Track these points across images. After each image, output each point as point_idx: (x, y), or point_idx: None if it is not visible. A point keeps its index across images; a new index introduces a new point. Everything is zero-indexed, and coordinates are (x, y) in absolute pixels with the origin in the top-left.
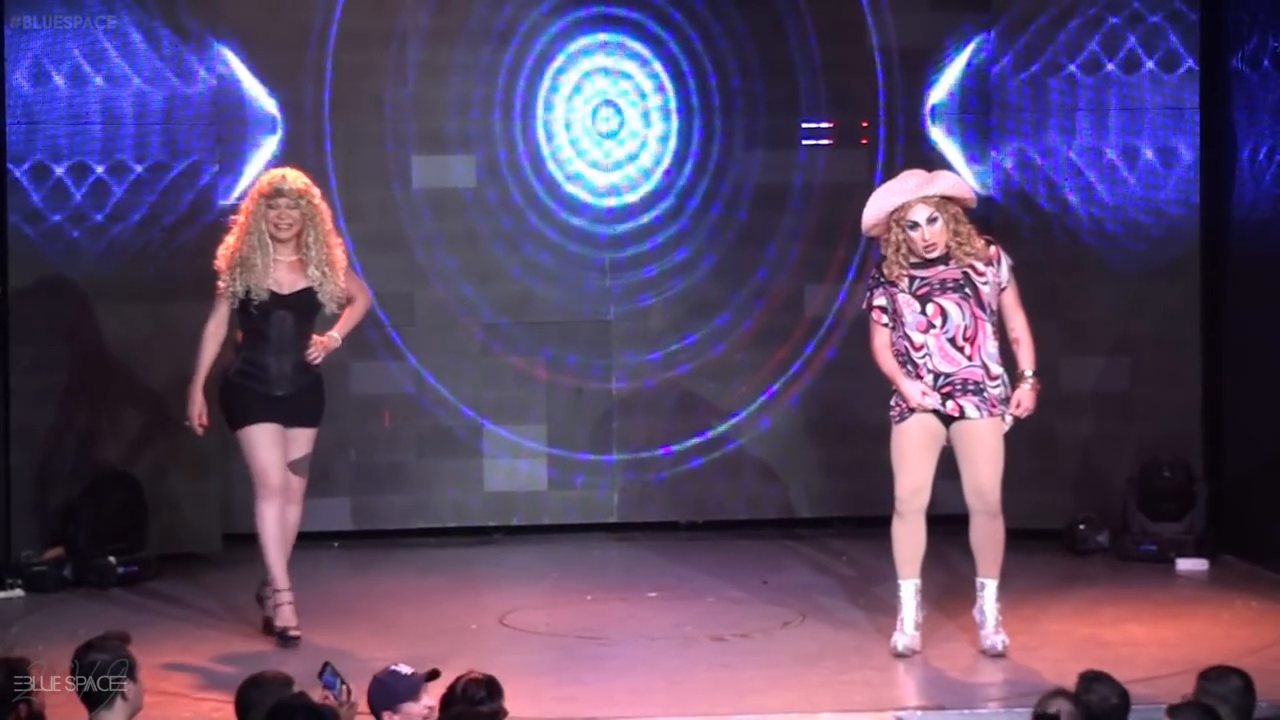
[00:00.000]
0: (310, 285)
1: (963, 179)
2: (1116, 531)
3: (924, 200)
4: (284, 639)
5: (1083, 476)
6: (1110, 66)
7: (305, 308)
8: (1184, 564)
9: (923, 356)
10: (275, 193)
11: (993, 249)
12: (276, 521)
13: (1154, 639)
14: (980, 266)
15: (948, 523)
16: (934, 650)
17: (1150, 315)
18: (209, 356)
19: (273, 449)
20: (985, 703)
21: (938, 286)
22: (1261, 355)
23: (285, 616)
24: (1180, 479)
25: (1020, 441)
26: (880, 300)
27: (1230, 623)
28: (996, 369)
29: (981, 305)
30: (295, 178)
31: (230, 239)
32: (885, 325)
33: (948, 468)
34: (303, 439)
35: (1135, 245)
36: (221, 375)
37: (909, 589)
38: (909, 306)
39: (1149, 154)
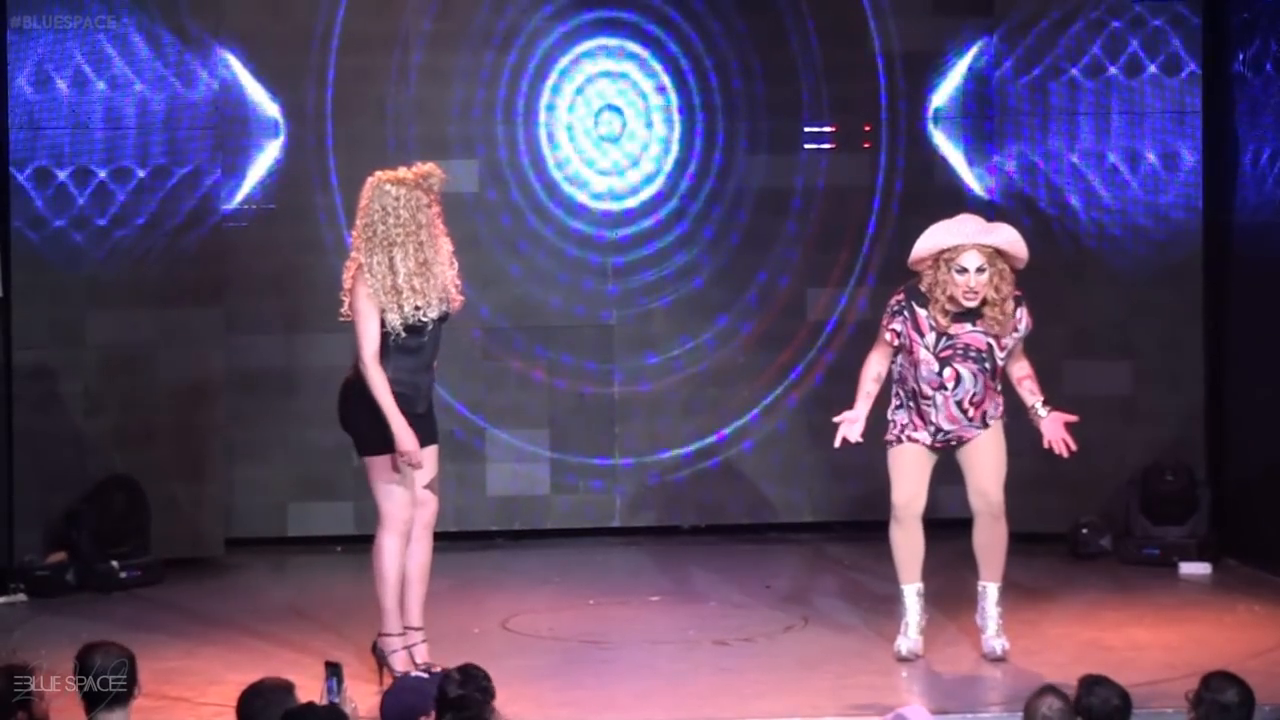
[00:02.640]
0: (443, 286)
1: (1021, 238)
2: (1119, 535)
3: (979, 248)
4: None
5: (1085, 480)
6: (1112, 70)
7: (445, 313)
8: (1187, 568)
9: (928, 405)
10: (439, 186)
11: (1019, 313)
12: (401, 559)
13: (1157, 643)
14: (1005, 340)
15: (948, 527)
16: (936, 654)
17: (1153, 319)
18: (387, 384)
19: (411, 481)
20: (987, 706)
21: (960, 353)
22: (1264, 359)
23: (403, 661)
24: (1183, 483)
25: (1023, 445)
26: (897, 326)
27: (1233, 626)
28: (992, 422)
29: (994, 376)
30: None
31: (374, 260)
32: (892, 347)
33: (949, 473)
34: (434, 457)
35: (1137, 249)
36: (360, 393)
37: (911, 593)
38: (927, 365)
39: (1151, 158)
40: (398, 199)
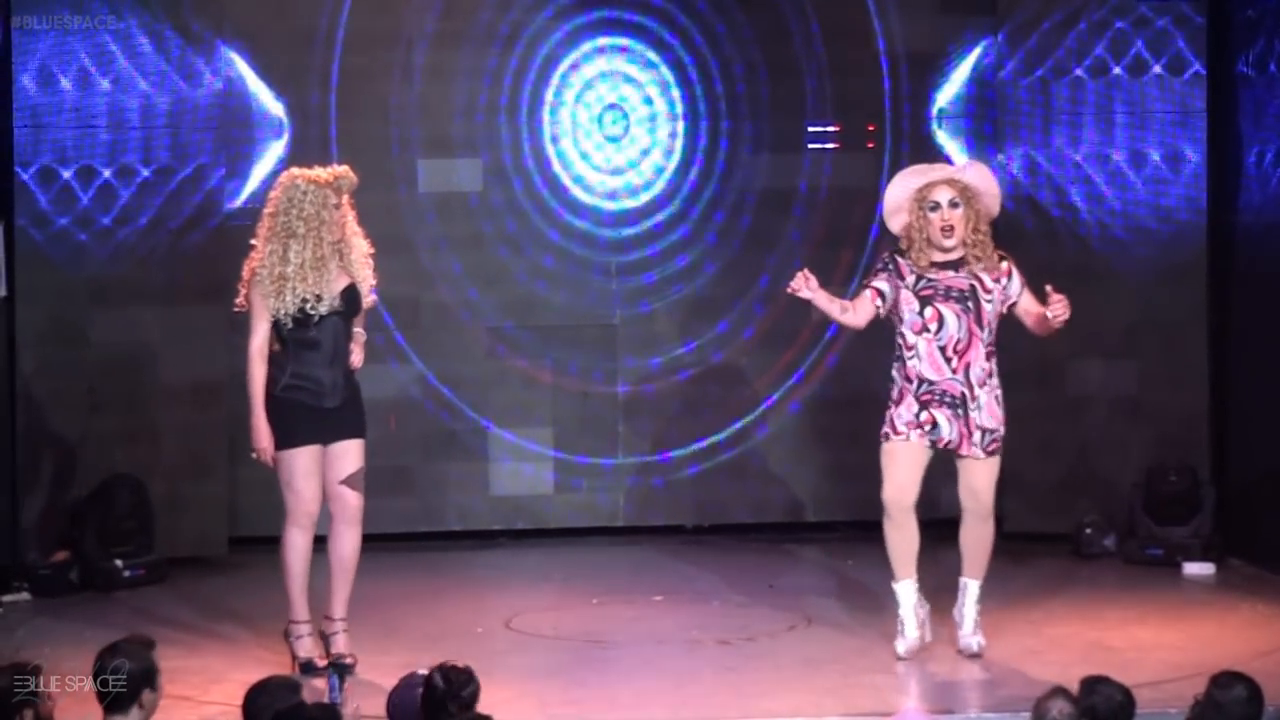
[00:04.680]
0: (352, 282)
1: (993, 176)
2: (1123, 535)
3: (949, 183)
4: (306, 668)
5: (1089, 480)
6: (1117, 70)
7: (352, 308)
8: (1190, 568)
9: (912, 357)
10: (350, 188)
11: (1005, 264)
12: (305, 552)
13: (1161, 643)
14: (988, 282)
15: (946, 526)
16: (939, 654)
17: (1157, 319)
18: (263, 379)
19: (313, 477)
20: (988, 708)
21: (942, 292)
22: (1268, 359)
23: (307, 647)
24: (1187, 483)
25: (1027, 445)
26: (879, 283)
27: (1237, 626)
28: (979, 390)
29: (980, 322)
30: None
31: (268, 249)
32: (875, 306)
33: (946, 470)
34: (354, 452)
35: (1142, 249)
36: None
37: (906, 590)
38: (908, 304)
39: (1156, 158)
40: (305, 193)
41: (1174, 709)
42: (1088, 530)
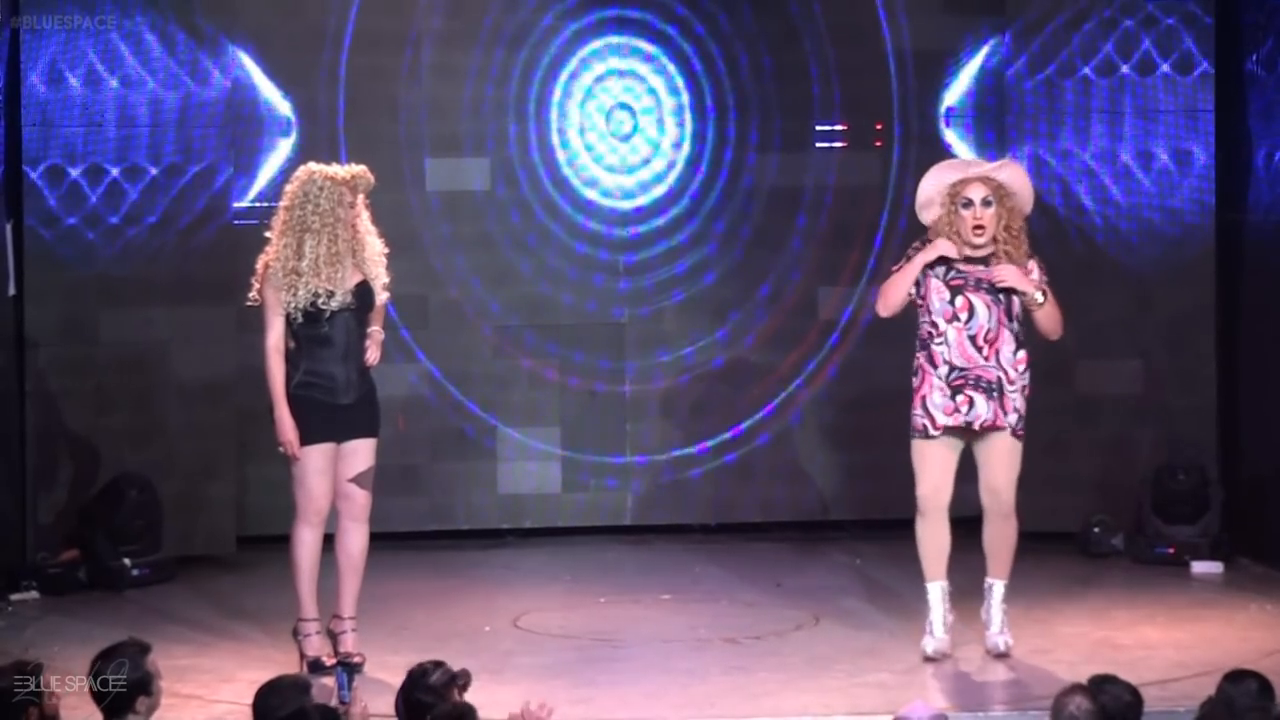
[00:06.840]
0: (364, 279)
1: (1027, 176)
2: (1131, 534)
3: (984, 181)
4: (314, 667)
5: (1097, 479)
6: (1125, 69)
7: (365, 305)
8: (1199, 567)
9: (940, 344)
10: (367, 189)
11: (1031, 262)
12: (314, 549)
13: (1169, 642)
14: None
15: (966, 524)
16: (950, 653)
17: (1165, 318)
18: (282, 373)
19: (325, 475)
20: (998, 706)
21: (972, 283)
22: (1276, 358)
23: (315, 645)
24: (1195, 482)
25: (1035, 444)
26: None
27: (1245, 626)
28: (1014, 374)
29: (1009, 314)
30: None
31: (282, 242)
32: (907, 294)
33: (967, 471)
34: (365, 451)
35: (1150, 248)
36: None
37: (936, 591)
38: (939, 293)
39: (1164, 157)
40: (322, 189)
41: (1182, 708)
42: (1096, 529)
